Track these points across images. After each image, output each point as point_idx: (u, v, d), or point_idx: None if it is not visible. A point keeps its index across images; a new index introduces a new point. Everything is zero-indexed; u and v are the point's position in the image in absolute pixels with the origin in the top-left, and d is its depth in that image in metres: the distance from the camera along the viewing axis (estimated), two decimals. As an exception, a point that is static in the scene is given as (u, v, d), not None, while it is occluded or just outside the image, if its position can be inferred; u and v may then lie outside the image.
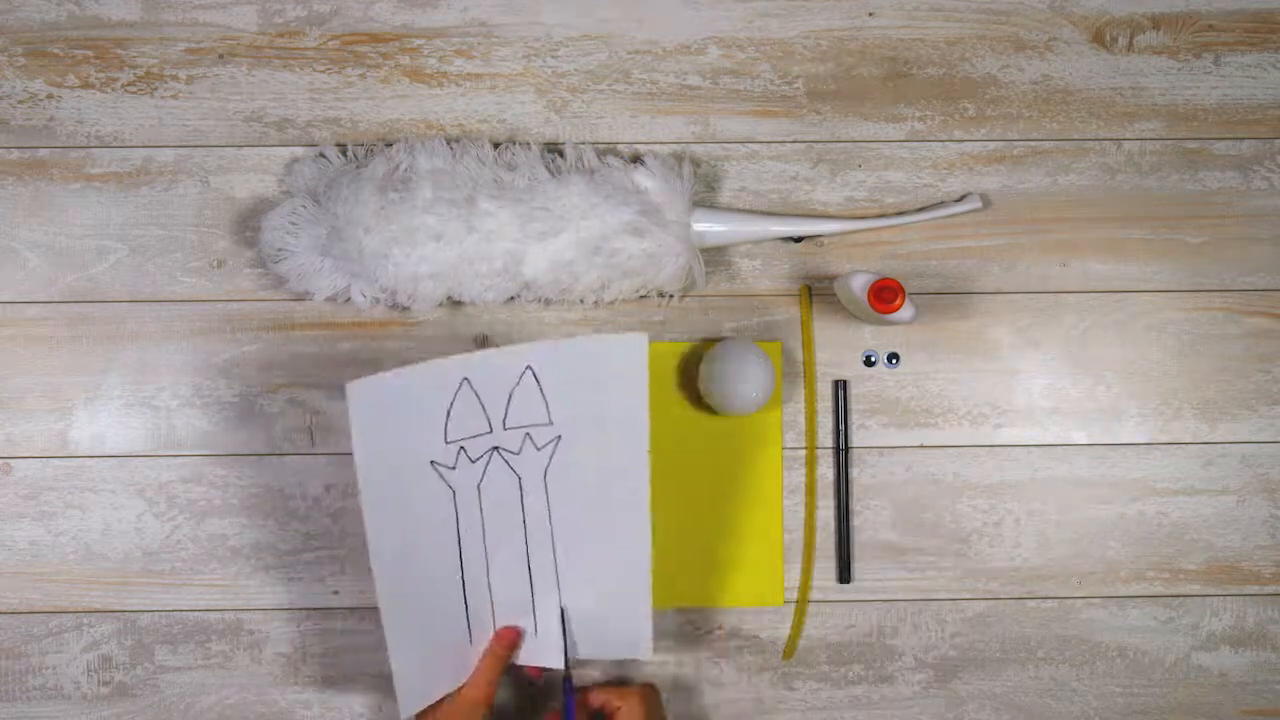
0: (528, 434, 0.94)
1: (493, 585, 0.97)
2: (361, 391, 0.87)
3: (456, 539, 0.95)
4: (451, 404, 0.91)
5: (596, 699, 0.98)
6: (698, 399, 1.05)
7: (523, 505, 0.96)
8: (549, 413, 0.93)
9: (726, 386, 1.00)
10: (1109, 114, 1.07)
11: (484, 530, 0.96)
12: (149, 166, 1.06)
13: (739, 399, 1.00)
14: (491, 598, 0.97)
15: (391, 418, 0.89)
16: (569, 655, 0.98)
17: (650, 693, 0.99)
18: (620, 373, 0.91)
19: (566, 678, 0.98)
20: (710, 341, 1.06)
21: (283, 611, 1.05)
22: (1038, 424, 1.07)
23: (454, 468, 0.93)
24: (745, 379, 0.99)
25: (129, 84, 1.06)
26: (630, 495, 0.94)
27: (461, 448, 0.93)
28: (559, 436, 0.94)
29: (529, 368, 0.91)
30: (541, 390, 0.92)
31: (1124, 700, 1.06)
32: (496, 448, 0.94)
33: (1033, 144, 1.07)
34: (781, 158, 1.07)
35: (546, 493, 0.96)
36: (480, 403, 0.92)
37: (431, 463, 0.92)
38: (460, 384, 0.90)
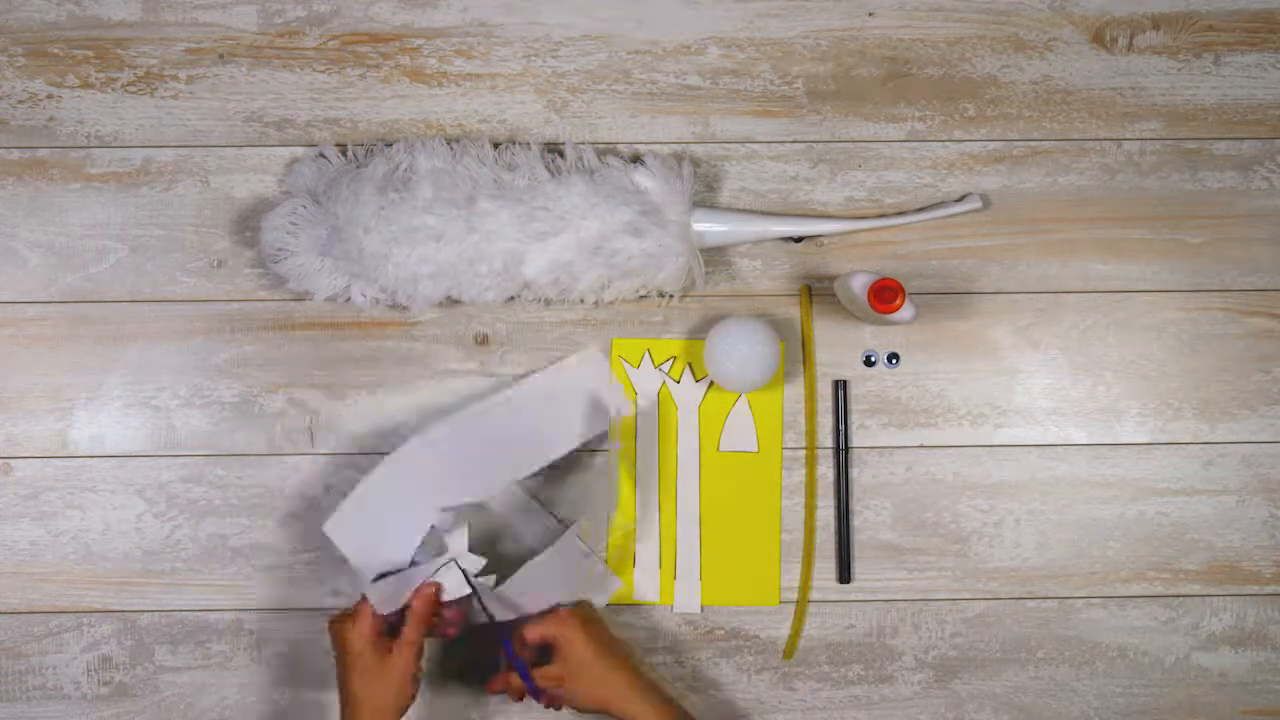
0: None
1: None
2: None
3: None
4: None
5: (533, 634, 0.97)
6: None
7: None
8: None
9: (728, 364, 0.99)
10: (1109, 114, 1.07)
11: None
12: (149, 166, 1.06)
13: (738, 377, 0.99)
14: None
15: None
16: (484, 601, 0.98)
17: (586, 609, 0.99)
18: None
19: (495, 624, 0.98)
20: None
21: (283, 611, 1.05)
22: (1038, 424, 1.07)
23: None
24: (746, 357, 0.99)
25: (129, 84, 1.06)
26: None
27: None
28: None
29: None
30: None
31: (1124, 700, 1.06)
32: None
33: (1033, 144, 1.07)
34: (781, 158, 1.07)
35: None
36: None
37: None
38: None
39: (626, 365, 1.05)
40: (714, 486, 1.05)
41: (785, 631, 1.06)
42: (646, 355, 1.05)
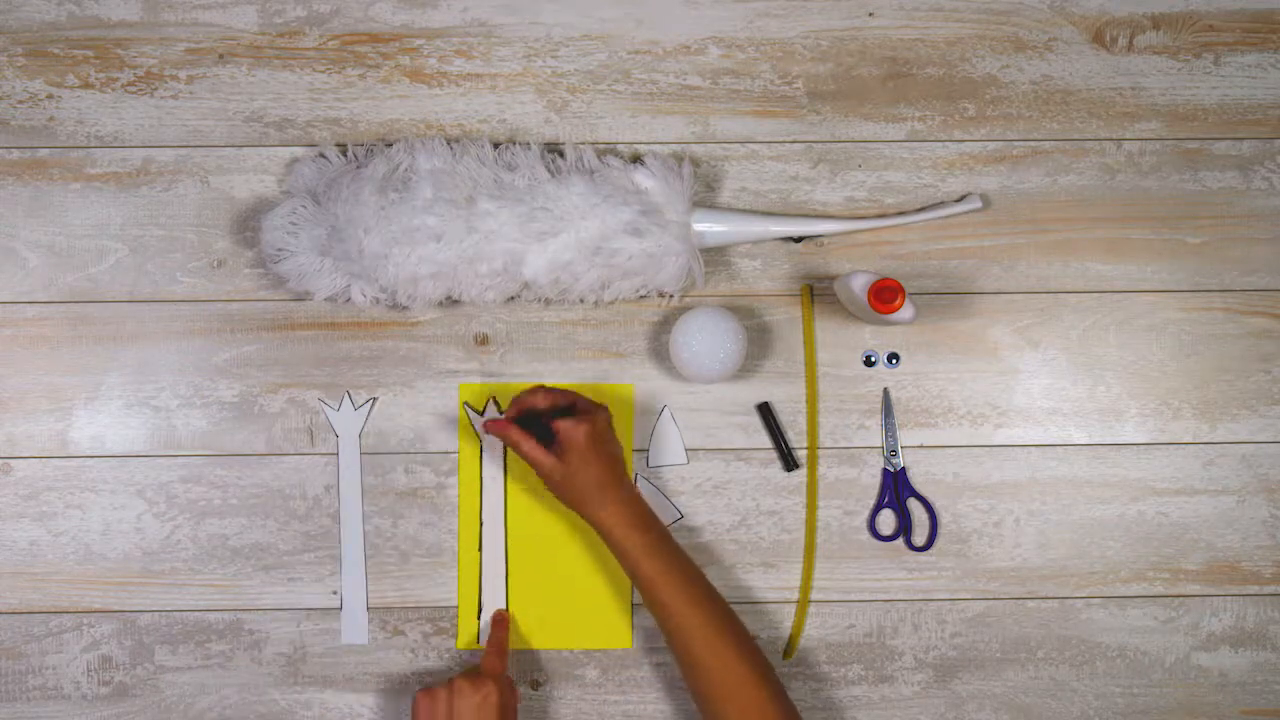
0: None
1: None
2: None
3: None
4: None
5: (549, 398, 0.99)
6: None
7: None
8: None
9: (686, 354, 1.00)
10: (1109, 114, 1.07)
11: None
12: (149, 166, 1.06)
13: (697, 367, 1.00)
14: None
15: None
16: None
17: (605, 416, 0.99)
18: None
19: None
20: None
21: (283, 611, 1.05)
22: (1038, 424, 1.07)
23: None
24: (709, 348, 0.99)
25: (129, 84, 1.06)
26: None
27: None
28: None
29: None
30: None
31: (1124, 700, 1.06)
32: None
33: (1033, 144, 1.07)
34: (781, 158, 1.07)
35: None
36: None
37: None
38: None
39: (470, 410, 1.06)
40: (568, 524, 1.06)
41: (785, 631, 1.06)
42: (491, 401, 1.05)
